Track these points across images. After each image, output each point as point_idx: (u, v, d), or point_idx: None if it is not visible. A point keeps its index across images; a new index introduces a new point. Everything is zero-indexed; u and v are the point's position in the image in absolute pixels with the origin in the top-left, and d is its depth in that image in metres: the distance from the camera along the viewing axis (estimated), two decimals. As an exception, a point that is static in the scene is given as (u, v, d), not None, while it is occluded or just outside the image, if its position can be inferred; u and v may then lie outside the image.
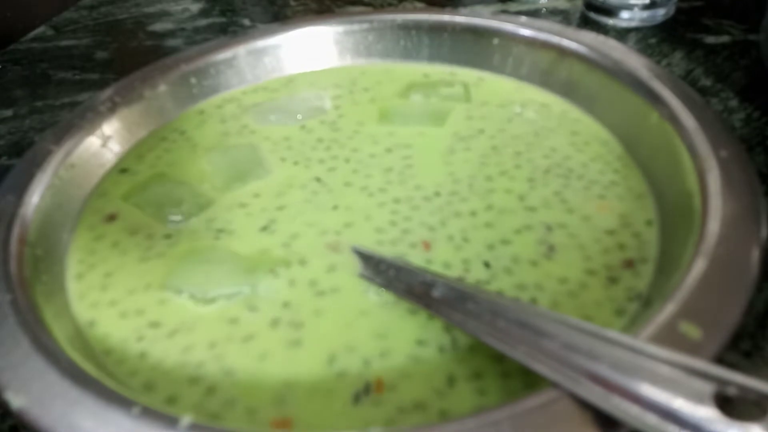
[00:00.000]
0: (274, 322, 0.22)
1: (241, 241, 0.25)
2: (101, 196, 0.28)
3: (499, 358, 0.19)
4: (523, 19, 0.35)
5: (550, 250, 0.24)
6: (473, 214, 0.25)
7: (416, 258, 0.24)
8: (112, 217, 0.27)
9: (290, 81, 0.36)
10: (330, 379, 0.19)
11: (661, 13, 0.43)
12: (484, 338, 0.18)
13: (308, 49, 0.36)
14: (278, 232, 0.25)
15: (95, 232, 0.26)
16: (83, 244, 0.26)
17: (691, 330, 0.17)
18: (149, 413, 0.16)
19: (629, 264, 0.23)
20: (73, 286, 0.24)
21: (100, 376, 0.18)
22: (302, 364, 0.20)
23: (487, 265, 0.23)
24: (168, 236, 0.26)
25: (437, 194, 0.27)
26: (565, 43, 0.32)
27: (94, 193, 0.28)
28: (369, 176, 0.28)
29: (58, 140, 0.28)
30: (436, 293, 0.20)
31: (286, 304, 0.22)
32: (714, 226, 0.20)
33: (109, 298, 0.23)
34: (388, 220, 0.26)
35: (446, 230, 0.25)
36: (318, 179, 0.28)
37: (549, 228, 0.25)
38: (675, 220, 0.23)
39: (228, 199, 0.27)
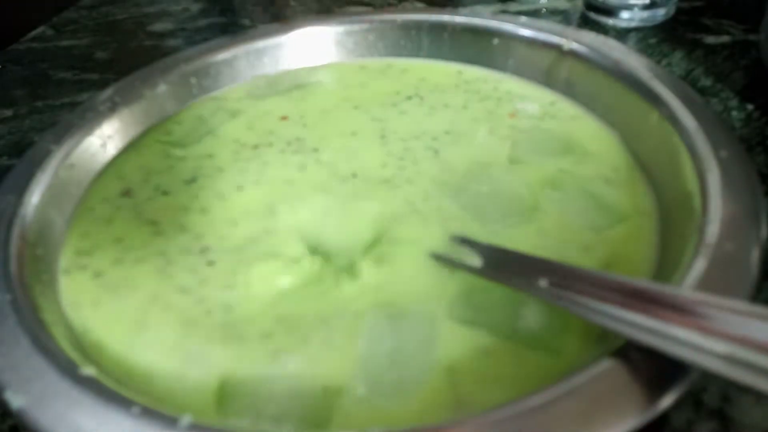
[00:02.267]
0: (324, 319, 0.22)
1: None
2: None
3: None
4: (523, 19, 0.35)
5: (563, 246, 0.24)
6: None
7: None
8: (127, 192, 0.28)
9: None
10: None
11: (661, 13, 0.43)
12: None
13: (308, 49, 0.36)
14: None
15: (93, 230, 0.26)
16: (81, 242, 0.26)
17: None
18: (149, 413, 0.16)
19: (628, 263, 0.23)
20: (68, 285, 0.24)
21: (100, 376, 0.18)
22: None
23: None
24: (163, 233, 0.26)
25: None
26: (565, 43, 0.32)
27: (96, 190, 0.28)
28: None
29: (58, 140, 0.28)
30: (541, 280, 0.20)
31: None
32: (714, 226, 0.20)
33: (105, 296, 0.23)
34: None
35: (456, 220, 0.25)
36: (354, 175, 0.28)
37: (547, 227, 0.25)
38: (675, 220, 0.23)
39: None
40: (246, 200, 0.27)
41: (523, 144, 0.29)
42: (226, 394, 0.19)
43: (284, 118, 0.32)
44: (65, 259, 0.25)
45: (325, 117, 0.32)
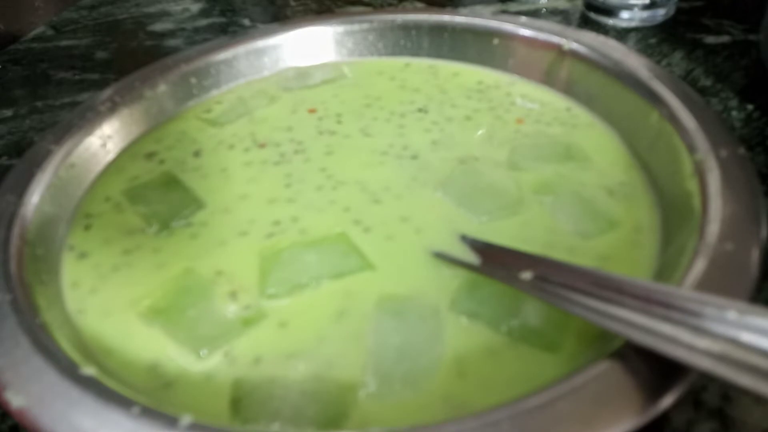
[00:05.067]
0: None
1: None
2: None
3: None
4: (523, 19, 0.35)
5: (548, 247, 0.24)
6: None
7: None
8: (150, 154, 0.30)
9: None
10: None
11: (661, 13, 0.43)
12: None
13: (308, 49, 0.36)
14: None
15: (91, 230, 0.26)
16: (79, 242, 0.26)
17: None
18: (149, 413, 0.16)
19: (628, 264, 0.23)
20: (68, 285, 0.24)
21: (100, 376, 0.18)
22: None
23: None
24: (164, 230, 0.26)
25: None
26: (565, 43, 0.32)
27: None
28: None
29: (58, 140, 0.28)
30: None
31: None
32: (714, 226, 0.20)
33: (102, 296, 0.23)
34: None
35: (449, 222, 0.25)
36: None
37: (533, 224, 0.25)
38: (675, 220, 0.23)
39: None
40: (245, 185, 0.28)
41: (523, 150, 0.29)
42: (240, 398, 0.19)
43: (312, 110, 0.33)
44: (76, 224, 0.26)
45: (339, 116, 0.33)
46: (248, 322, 0.22)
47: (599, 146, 0.29)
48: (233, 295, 0.23)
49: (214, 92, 0.35)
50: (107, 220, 0.27)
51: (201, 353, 0.21)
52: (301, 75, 0.36)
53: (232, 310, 0.22)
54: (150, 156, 0.30)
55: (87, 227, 0.26)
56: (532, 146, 0.29)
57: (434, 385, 0.19)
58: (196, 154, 0.30)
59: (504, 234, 0.24)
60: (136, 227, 0.26)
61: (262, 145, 0.31)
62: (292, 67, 0.36)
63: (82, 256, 0.25)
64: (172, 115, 0.33)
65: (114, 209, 0.27)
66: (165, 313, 0.22)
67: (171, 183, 0.28)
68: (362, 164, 0.29)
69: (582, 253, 0.23)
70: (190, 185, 0.28)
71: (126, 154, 0.30)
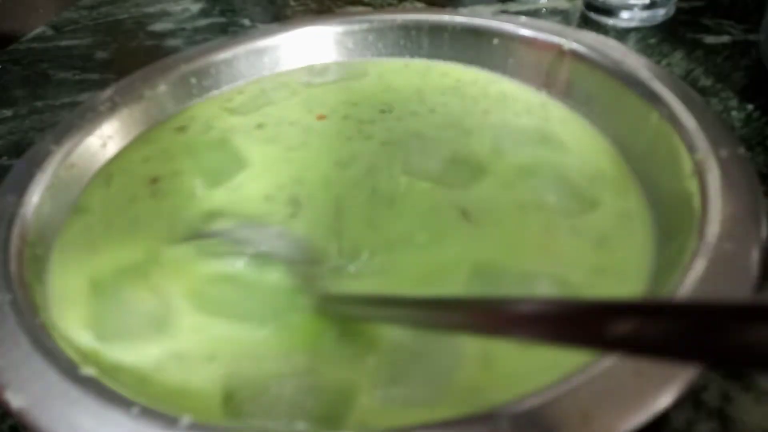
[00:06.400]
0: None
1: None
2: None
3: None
4: (523, 19, 0.35)
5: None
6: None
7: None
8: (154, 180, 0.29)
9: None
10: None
11: (661, 13, 0.43)
12: None
13: (308, 49, 0.36)
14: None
15: (89, 231, 0.26)
16: (76, 241, 0.26)
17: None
18: (149, 413, 0.16)
19: (622, 267, 0.23)
20: (66, 284, 0.24)
21: (100, 376, 0.18)
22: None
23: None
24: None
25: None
26: (565, 43, 0.32)
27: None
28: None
29: (58, 140, 0.28)
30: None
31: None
32: (714, 226, 0.20)
33: (101, 295, 0.23)
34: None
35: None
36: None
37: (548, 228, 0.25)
38: (675, 220, 0.23)
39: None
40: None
41: (500, 139, 0.29)
42: (232, 393, 0.19)
43: (321, 117, 0.33)
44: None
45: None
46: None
47: (599, 147, 0.29)
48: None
49: (215, 92, 0.35)
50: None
51: (199, 351, 0.21)
52: (316, 74, 0.36)
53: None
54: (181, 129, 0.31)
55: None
56: (519, 144, 0.29)
57: (434, 385, 0.19)
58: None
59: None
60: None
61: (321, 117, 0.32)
62: (298, 68, 0.36)
63: (77, 256, 0.25)
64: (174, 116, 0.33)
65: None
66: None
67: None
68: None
69: (577, 264, 0.23)
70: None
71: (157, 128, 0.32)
